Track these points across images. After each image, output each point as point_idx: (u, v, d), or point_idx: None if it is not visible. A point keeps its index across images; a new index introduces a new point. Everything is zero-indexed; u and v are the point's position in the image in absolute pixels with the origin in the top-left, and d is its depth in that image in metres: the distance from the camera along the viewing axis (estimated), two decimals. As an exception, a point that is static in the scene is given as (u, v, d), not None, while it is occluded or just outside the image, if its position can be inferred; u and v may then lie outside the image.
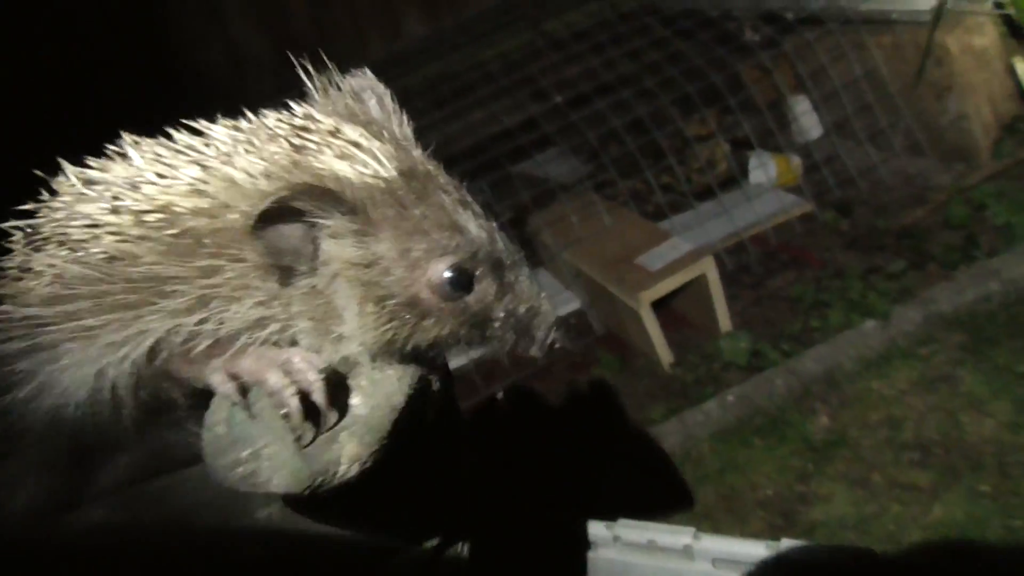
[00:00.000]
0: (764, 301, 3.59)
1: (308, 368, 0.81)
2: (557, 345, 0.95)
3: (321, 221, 0.80)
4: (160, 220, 0.81)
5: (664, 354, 3.38)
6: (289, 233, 0.79)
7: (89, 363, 0.83)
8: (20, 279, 0.87)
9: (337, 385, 0.85)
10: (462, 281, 0.87)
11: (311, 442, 0.81)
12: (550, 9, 4.99)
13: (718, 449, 2.95)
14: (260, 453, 0.79)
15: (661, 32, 4.49)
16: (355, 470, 0.81)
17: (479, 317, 0.90)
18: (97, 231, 0.82)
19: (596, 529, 1.49)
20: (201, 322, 0.82)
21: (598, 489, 2.83)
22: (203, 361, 0.84)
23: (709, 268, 3.32)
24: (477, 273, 0.88)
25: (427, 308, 0.86)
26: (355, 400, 0.85)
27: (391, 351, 0.87)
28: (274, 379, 0.80)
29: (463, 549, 1.04)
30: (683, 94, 4.09)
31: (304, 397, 0.81)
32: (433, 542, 0.98)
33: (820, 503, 2.68)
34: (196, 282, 0.80)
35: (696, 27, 4.44)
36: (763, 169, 4.27)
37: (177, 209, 0.81)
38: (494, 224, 0.92)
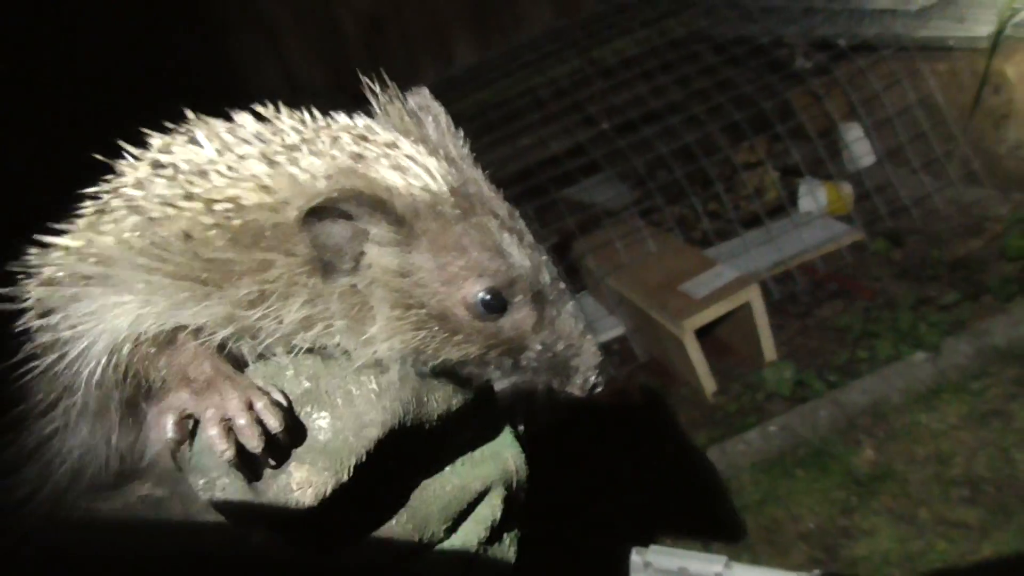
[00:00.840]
0: (810, 331, 3.54)
1: (247, 410, 0.80)
2: (598, 390, 0.94)
3: (367, 227, 0.83)
4: (228, 211, 0.83)
5: (707, 382, 3.36)
6: (337, 232, 0.82)
7: (127, 315, 0.85)
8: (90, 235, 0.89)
9: (307, 403, 0.84)
10: (495, 304, 0.87)
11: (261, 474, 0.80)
12: (599, 36, 5.03)
13: (759, 480, 2.91)
14: (214, 483, 0.80)
15: (711, 59, 4.50)
16: (309, 497, 0.79)
17: (513, 344, 0.90)
18: (171, 211, 0.85)
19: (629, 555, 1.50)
20: (260, 319, 0.84)
21: (637, 515, 2.81)
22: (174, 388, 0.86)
23: (754, 296, 3.29)
24: (515, 300, 0.88)
25: (458, 325, 0.87)
26: (321, 420, 0.83)
27: (420, 361, 0.88)
28: (210, 415, 0.80)
29: (509, 551, 1.03)
30: (732, 121, 4.08)
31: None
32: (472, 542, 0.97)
33: (864, 538, 2.62)
34: (256, 275, 0.83)
35: (746, 54, 4.44)
36: (813, 197, 4.22)
37: (243, 202, 0.83)
38: (544, 256, 0.92)
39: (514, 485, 1.01)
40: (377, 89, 0.95)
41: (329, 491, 0.79)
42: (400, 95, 0.96)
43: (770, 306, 3.47)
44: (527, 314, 0.90)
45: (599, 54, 4.89)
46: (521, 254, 0.89)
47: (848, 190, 4.26)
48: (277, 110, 0.93)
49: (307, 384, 0.85)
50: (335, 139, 0.88)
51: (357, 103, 0.95)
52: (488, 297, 0.87)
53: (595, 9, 5.63)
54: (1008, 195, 3.89)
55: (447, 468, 0.96)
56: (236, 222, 0.83)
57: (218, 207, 0.84)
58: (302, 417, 0.83)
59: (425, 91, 0.99)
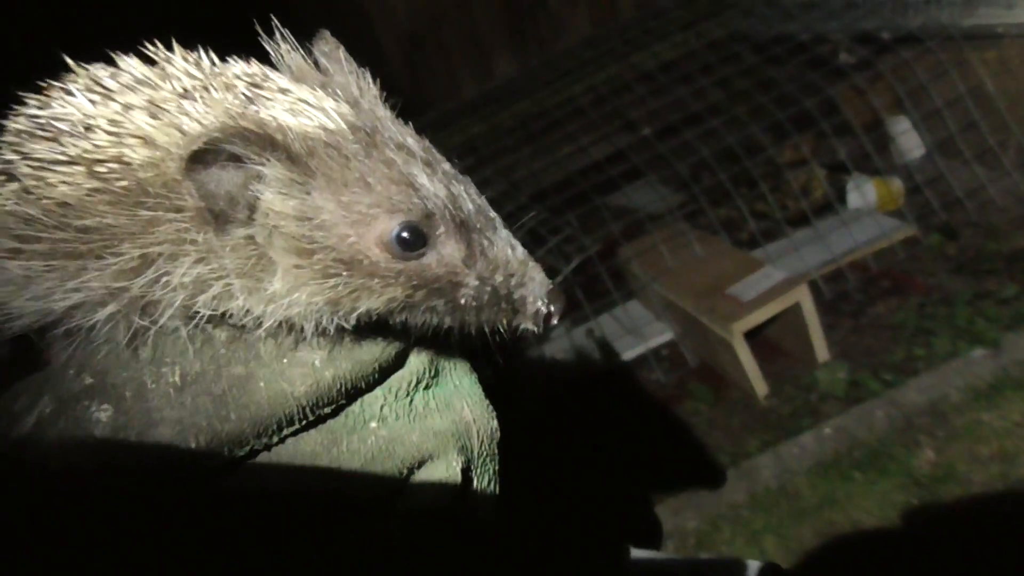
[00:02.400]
0: (864, 329, 3.47)
1: None
2: (554, 320, 0.86)
3: (259, 168, 0.76)
4: (112, 171, 0.76)
5: (759, 385, 3.32)
6: (226, 178, 0.75)
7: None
8: None
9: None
10: (414, 240, 0.80)
11: None
12: (637, 42, 5.02)
13: (816, 484, 2.86)
14: None
15: (751, 59, 4.45)
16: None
17: (443, 282, 0.83)
18: (49, 176, 0.77)
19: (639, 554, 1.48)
20: (147, 286, 0.76)
21: (690, 522, 2.79)
22: None
23: (803, 297, 3.24)
24: (437, 233, 0.82)
25: (374, 268, 0.80)
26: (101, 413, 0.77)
27: (339, 315, 0.80)
28: None
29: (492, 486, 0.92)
30: (775, 121, 4.04)
31: None
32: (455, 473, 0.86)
33: (927, 541, 2.56)
34: (140, 239, 0.75)
35: (787, 52, 4.38)
36: (861, 193, 4.15)
37: (128, 160, 0.76)
38: (466, 186, 0.86)
39: (475, 443, 0.90)
40: (279, 39, 0.88)
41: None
42: (299, 45, 0.89)
43: (821, 306, 3.41)
44: (453, 247, 0.83)
45: (638, 59, 4.88)
46: (436, 184, 0.82)
47: (898, 185, 4.17)
48: (169, 50, 0.85)
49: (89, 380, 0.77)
50: (229, 86, 0.81)
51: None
52: (404, 234, 0.80)
53: (632, 15, 5.63)
54: (1067, 183, 3.77)
55: (371, 423, 0.85)
56: (121, 183, 0.76)
57: (101, 168, 0.76)
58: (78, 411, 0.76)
59: (326, 33, 0.92)
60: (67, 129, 0.79)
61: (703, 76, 4.52)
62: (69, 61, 0.84)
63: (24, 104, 0.84)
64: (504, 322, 0.85)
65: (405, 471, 0.83)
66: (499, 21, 5.67)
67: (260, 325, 0.79)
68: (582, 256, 3.65)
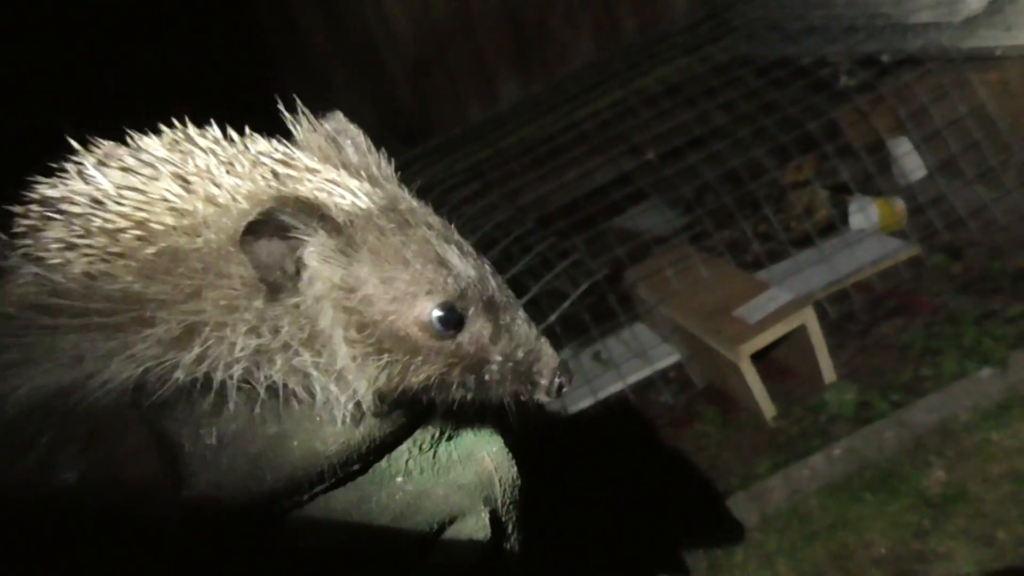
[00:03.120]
0: (871, 350, 3.49)
1: None
2: (565, 390, 0.90)
3: (305, 238, 0.78)
4: (136, 238, 0.77)
5: (767, 407, 3.33)
6: (275, 248, 0.77)
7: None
8: None
9: None
10: (451, 320, 0.83)
11: None
12: (641, 66, 5.08)
13: (827, 505, 2.86)
14: None
15: (754, 82, 4.50)
16: None
17: (473, 359, 0.86)
18: (70, 254, 0.78)
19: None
20: (197, 360, 0.76)
21: (701, 546, 2.80)
22: None
23: (809, 318, 3.26)
24: (469, 312, 0.84)
25: (415, 346, 0.82)
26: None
27: (388, 395, 0.82)
28: None
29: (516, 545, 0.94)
30: (778, 143, 4.08)
31: None
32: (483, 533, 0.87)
33: (940, 561, 2.56)
34: (179, 307, 0.75)
35: (789, 76, 4.43)
36: (864, 214, 4.18)
37: (154, 227, 0.77)
38: (487, 265, 0.89)
39: (498, 493, 0.92)
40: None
41: None
42: (316, 121, 0.92)
43: (827, 326, 3.43)
44: (482, 325, 0.86)
45: (641, 84, 4.94)
46: (465, 264, 0.85)
47: (900, 205, 4.20)
48: (185, 127, 0.88)
49: None
50: (255, 163, 0.83)
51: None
52: (443, 313, 0.82)
53: (635, 40, 5.70)
54: (1069, 202, 3.80)
55: (398, 477, 0.87)
56: (147, 251, 0.76)
57: (124, 236, 0.77)
58: None
59: (339, 114, 0.95)
60: (83, 202, 0.80)
61: (707, 99, 4.57)
62: (74, 143, 0.85)
63: (33, 187, 0.85)
64: (521, 395, 0.89)
65: (435, 526, 0.84)
66: (504, 46, 5.74)
67: (313, 396, 0.80)
68: (590, 280, 3.67)
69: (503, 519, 0.91)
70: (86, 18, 4.56)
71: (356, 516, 0.82)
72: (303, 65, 5.46)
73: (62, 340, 0.75)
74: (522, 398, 0.89)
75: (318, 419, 0.82)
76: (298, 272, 0.79)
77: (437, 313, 0.82)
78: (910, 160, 4.41)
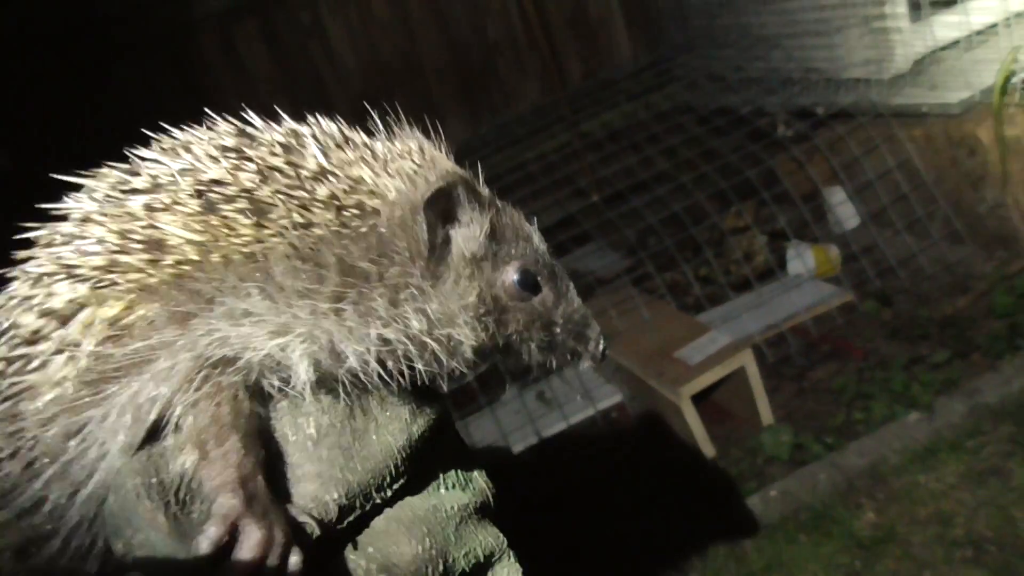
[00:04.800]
0: (806, 393, 3.58)
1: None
2: (608, 355, 1.02)
3: (459, 219, 0.91)
4: (355, 215, 0.87)
5: (706, 448, 3.38)
6: (438, 223, 0.89)
7: None
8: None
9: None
10: (531, 283, 0.95)
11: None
12: (587, 111, 5.19)
13: (762, 546, 2.90)
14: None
15: (695, 130, 4.65)
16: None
17: (543, 320, 0.97)
18: (310, 215, 0.87)
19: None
20: (393, 327, 0.85)
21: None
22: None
23: (748, 361, 3.33)
24: (540, 278, 0.96)
25: (504, 306, 0.94)
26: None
27: (489, 349, 0.93)
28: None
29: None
30: (719, 189, 4.20)
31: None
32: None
33: (870, 603, 2.61)
34: (374, 283, 0.85)
35: (729, 124, 4.59)
36: (801, 260, 4.31)
37: (366, 206, 0.88)
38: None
39: (492, 502, 1.02)
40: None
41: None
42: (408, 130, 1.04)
43: (765, 369, 3.51)
44: (549, 289, 0.97)
45: (587, 128, 5.05)
46: (538, 236, 0.99)
47: (835, 252, 4.35)
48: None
49: None
50: (400, 155, 0.96)
51: None
52: (522, 276, 0.94)
53: (581, 85, 5.83)
54: (991, 253, 3.98)
55: (415, 498, 0.92)
56: (361, 228, 0.86)
57: (346, 212, 0.87)
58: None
59: (416, 131, 1.06)
60: (305, 175, 0.89)
61: (650, 145, 4.69)
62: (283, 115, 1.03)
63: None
64: (569, 358, 1.00)
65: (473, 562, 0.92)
66: (451, 87, 5.81)
67: (404, 375, 0.87)
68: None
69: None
70: (25, 51, 4.49)
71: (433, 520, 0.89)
72: (249, 100, 5.42)
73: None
74: (571, 360, 1.00)
75: (388, 413, 0.88)
76: (448, 247, 0.90)
77: (519, 277, 0.94)
78: (845, 209, 4.57)
